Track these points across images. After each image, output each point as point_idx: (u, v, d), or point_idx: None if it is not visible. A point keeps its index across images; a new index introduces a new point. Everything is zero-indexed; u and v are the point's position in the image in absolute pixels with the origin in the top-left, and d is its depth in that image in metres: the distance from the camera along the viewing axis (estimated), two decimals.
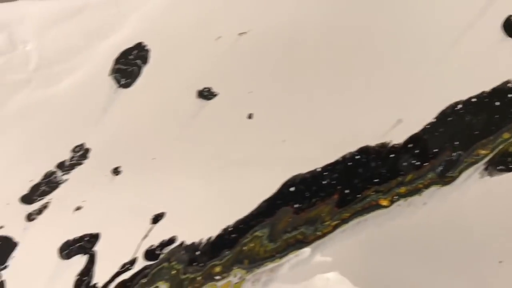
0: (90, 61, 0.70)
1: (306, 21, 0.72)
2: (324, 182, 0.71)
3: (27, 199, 0.69)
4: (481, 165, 0.66)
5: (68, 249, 0.69)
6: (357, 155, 0.71)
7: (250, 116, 0.71)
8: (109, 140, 0.70)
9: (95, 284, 0.69)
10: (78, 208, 0.70)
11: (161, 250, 0.70)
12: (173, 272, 0.70)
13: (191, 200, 0.71)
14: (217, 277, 0.70)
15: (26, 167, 0.69)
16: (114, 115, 0.70)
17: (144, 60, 0.71)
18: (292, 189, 0.71)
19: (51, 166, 0.69)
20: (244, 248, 0.70)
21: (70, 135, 0.70)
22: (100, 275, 0.70)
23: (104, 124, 0.70)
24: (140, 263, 0.70)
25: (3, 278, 0.68)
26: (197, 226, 0.71)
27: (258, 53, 0.72)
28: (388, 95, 0.71)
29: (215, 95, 0.71)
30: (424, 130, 0.68)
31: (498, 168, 0.66)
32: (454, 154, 0.67)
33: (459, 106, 0.67)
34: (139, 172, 0.70)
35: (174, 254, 0.70)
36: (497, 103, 0.66)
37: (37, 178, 0.69)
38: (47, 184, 0.69)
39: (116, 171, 0.70)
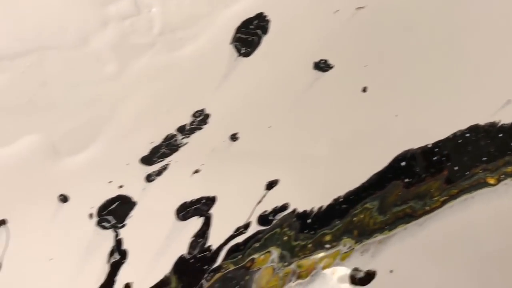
0: (213, 29, 0.71)
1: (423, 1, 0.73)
2: (434, 158, 0.72)
3: (147, 160, 0.70)
4: None
5: (185, 211, 0.71)
6: (467, 133, 0.72)
7: (364, 90, 0.72)
8: (228, 107, 0.72)
9: (209, 246, 0.71)
10: (196, 171, 0.71)
11: (274, 216, 0.72)
12: (285, 238, 0.72)
13: (303, 169, 0.72)
14: (327, 246, 0.72)
15: (147, 129, 0.70)
16: (234, 83, 0.72)
17: (264, 30, 0.72)
18: (403, 163, 0.72)
19: (171, 129, 0.71)
20: (354, 219, 0.72)
21: (191, 100, 0.71)
22: (215, 238, 0.71)
23: (224, 91, 0.71)
24: (254, 228, 0.71)
25: (120, 236, 0.70)
26: (309, 195, 0.72)
27: (375, 27, 0.73)
28: (498, 76, 0.73)
29: (331, 67, 0.72)
30: None
31: None
32: None
33: None
34: (255, 139, 0.72)
35: (286, 220, 0.72)
36: None
37: (157, 140, 0.71)
38: (167, 147, 0.71)
39: (233, 137, 0.72)
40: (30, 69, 0.68)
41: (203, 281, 0.71)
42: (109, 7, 0.69)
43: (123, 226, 0.70)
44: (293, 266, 0.71)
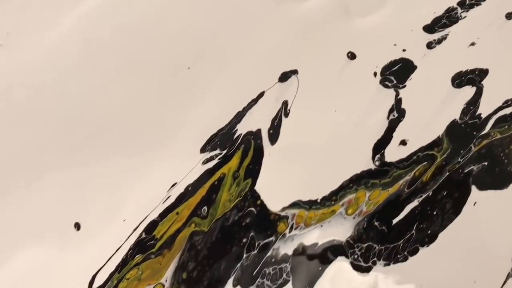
0: None
1: None
2: None
3: (429, 28, 0.75)
4: None
5: (459, 79, 0.76)
6: None
7: None
8: None
9: (479, 114, 0.76)
10: (472, 44, 0.76)
11: None
12: None
13: None
14: None
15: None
16: None
17: None
18: None
19: (453, 3, 0.76)
20: None
21: None
22: (485, 107, 0.76)
23: None
24: None
25: (400, 96, 0.75)
26: None
27: None
28: None
29: None
30: None
31: None
32: None
33: None
34: None
35: None
36: None
37: (439, 12, 0.76)
38: (447, 18, 0.76)
39: (509, 16, 0.76)
40: None
41: (471, 145, 0.76)
42: None
43: (403, 87, 0.75)
44: None
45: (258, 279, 0.71)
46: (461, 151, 0.75)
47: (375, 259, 0.73)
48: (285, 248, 0.71)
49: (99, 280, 0.68)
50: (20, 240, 0.65)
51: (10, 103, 0.62)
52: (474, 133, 0.76)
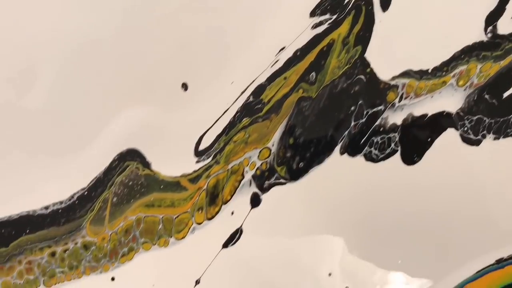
0: None
1: None
2: None
3: None
4: None
5: None
6: None
7: None
8: None
9: None
10: None
11: None
12: None
13: None
14: None
15: None
16: None
17: None
18: None
19: None
20: None
21: None
22: None
23: None
24: None
25: None
26: None
27: None
28: None
29: None
30: None
31: None
32: None
33: None
34: None
35: None
36: None
37: None
38: None
39: None
40: None
41: None
42: None
43: None
44: None
45: (366, 148, 0.70)
46: None
47: (484, 132, 0.71)
48: (394, 117, 0.70)
49: (206, 142, 0.67)
50: (126, 98, 0.64)
51: None
52: None
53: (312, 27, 0.67)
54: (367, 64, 0.68)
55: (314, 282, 0.72)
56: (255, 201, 0.70)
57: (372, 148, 0.70)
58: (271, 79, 0.67)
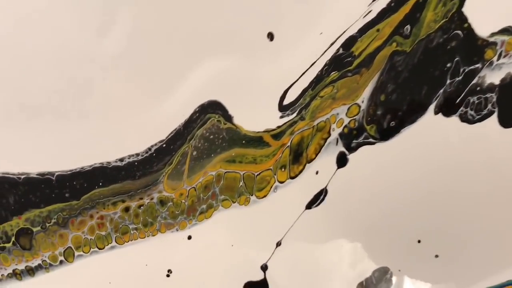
0: None
1: None
2: None
3: None
4: None
5: None
6: None
7: None
8: None
9: None
10: None
11: None
12: None
13: None
14: None
15: None
16: None
17: None
18: None
19: None
20: None
21: None
22: None
23: None
24: None
25: None
26: None
27: None
28: None
29: None
30: None
31: None
32: None
33: None
34: None
35: None
36: None
37: None
38: None
39: None
40: None
41: None
42: None
43: None
44: None
45: (461, 108, 0.65)
46: None
47: None
48: (492, 76, 0.65)
49: (291, 96, 0.63)
50: (208, 48, 0.60)
51: None
52: None
53: None
54: (465, 19, 0.64)
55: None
56: (341, 161, 0.65)
57: (468, 109, 0.65)
58: (363, 30, 0.63)
